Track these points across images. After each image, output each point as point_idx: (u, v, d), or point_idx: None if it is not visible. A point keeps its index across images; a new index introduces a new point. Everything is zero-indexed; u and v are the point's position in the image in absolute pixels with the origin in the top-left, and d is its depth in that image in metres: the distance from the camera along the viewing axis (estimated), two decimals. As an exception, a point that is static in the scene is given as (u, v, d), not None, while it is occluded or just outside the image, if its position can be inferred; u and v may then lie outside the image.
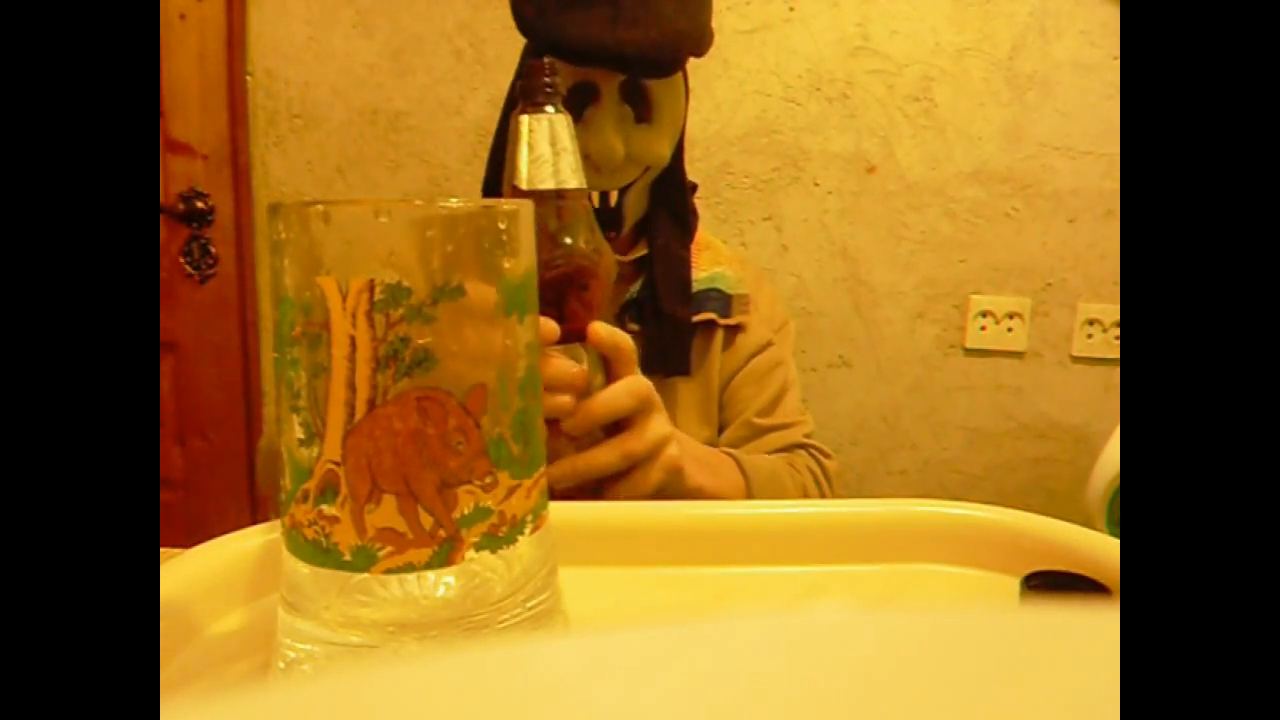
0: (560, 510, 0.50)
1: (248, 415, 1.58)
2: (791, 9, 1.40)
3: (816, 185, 1.45)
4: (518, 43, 0.78)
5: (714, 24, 0.76)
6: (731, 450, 0.72)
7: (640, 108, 0.75)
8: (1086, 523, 0.51)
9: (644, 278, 0.80)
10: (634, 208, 0.79)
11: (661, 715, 0.11)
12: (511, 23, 0.74)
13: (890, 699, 0.11)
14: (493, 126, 0.83)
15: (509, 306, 0.29)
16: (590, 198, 0.78)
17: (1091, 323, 1.44)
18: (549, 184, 0.48)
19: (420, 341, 0.27)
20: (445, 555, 0.28)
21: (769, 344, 0.85)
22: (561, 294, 0.50)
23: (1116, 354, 1.46)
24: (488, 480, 0.29)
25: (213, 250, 1.53)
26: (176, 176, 1.50)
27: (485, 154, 0.83)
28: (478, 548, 0.29)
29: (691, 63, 0.76)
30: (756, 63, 1.41)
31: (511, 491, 0.29)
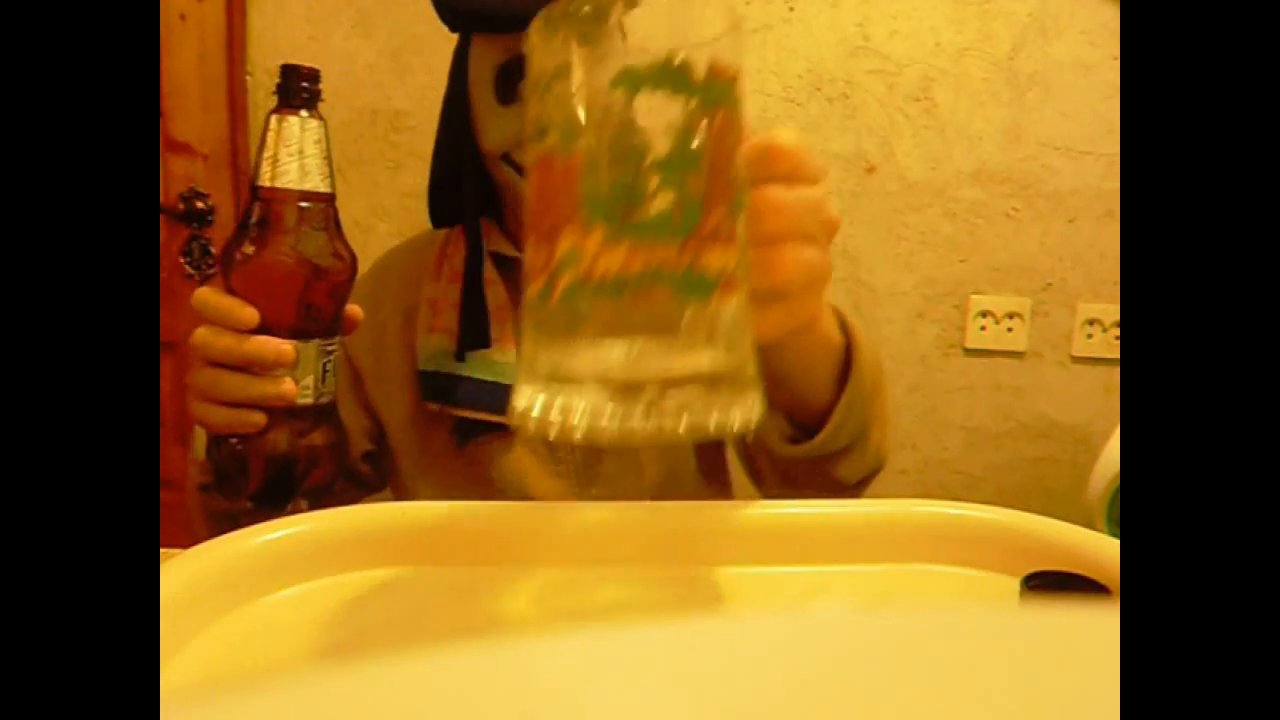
0: (559, 510, 0.50)
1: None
2: (791, 9, 1.40)
3: (816, 185, 1.45)
4: (518, 43, 0.77)
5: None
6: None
7: None
8: (1086, 523, 0.51)
9: None
10: None
11: (661, 715, 0.11)
12: (511, 23, 0.74)
13: (890, 699, 0.11)
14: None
15: (618, 83, 0.32)
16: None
17: (1091, 323, 1.44)
18: (290, 185, 0.50)
19: (537, 114, 0.33)
20: (549, 288, 0.32)
21: None
22: (293, 290, 0.51)
23: (1116, 354, 1.46)
24: (579, 228, 0.32)
25: (213, 250, 1.53)
26: (176, 176, 1.50)
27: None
28: (571, 291, 0.32)
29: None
30: (756, 63, 1.41)
31: (607, 247, 0.31)
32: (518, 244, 0.76)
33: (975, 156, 1.42)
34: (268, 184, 0.50)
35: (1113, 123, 1.39)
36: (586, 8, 0.32)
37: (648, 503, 0.51)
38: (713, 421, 0.32)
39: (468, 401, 0.72)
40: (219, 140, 1.50)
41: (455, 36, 0.76)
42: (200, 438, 0.60)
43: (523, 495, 0.74)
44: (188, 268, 1.53)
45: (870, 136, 1.43)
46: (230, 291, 0.51)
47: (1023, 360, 1.46)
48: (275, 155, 0.50)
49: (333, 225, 0.53)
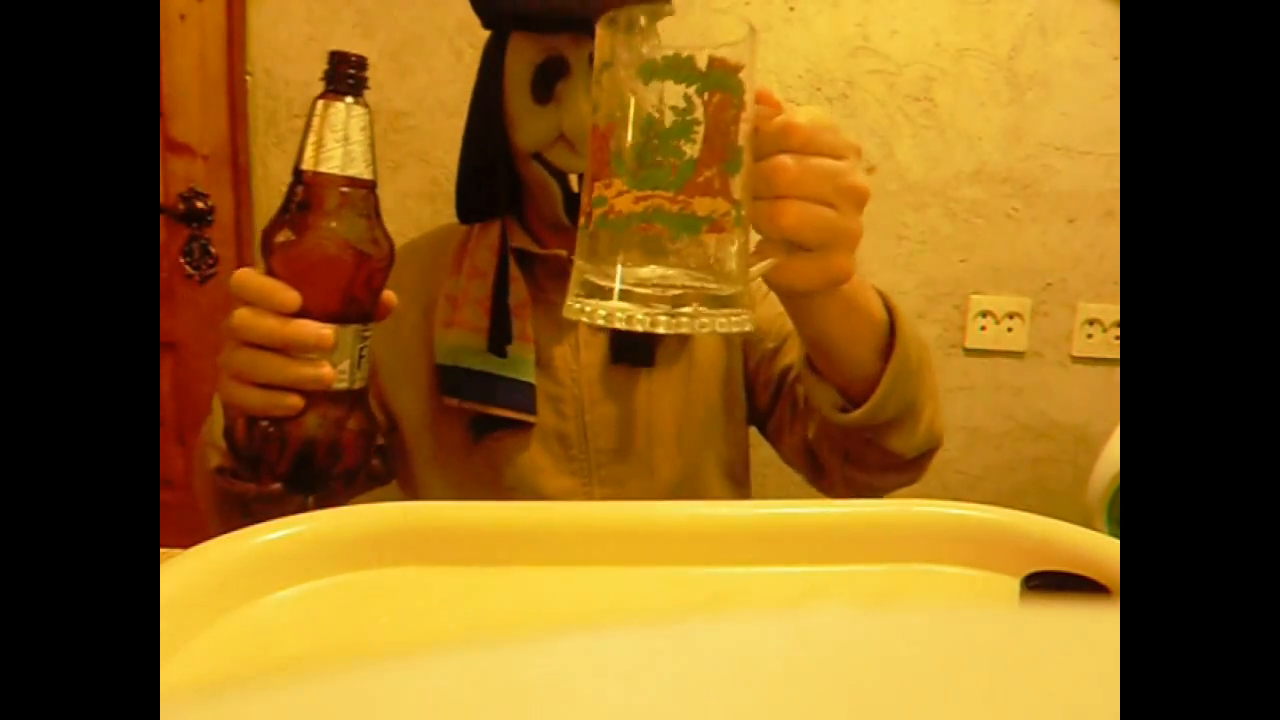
0: (556, 510, 0.50)
1: (248, 415, 1.58)
2: (791, 9, 1.40)
3: (816, 185, 1.45)
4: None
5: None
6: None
7: None
8: (1086, 523, 0.51)
9: None
10: None
11: (660, 715, 0.11)
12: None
13: (890, 699, 0.11)
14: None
15: (638, 73, 0.42)
16: (560, 186, 0.72)
17: (1091, 323, 1.43)
18: (333, 170, 0.51)
19: (594, 94, 0.44)
20: (588, 221, 0.44)
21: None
22: (338, 275, 0.51)
23: (1116, 354, 1.46)
24: (606, 180, 0.43)
25: (213, 250, 1.53)
26: (176, 176, 1.50)
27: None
28: (598, 224, 0.43)
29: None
30: (757, 63, 1.41)
31: (621, 194, 0.42)
32: (540, 241, 0.76)
33: (975, 156, 1.42)
34: (311, 168, 0.50)
35: (1113, 123, 1.39)
36: (627, 17, 0.43)
37: (648, 503, 0.51)
38: (699, 324, 0.43)
39: (485, 396, 0.72)
40: (219, 140, 1.50)
41: (455, 37, 0.76)
42: (218, 420, 0.60)
43: (535, 493, 0.74)
44: (188, 268, 1.53)
45: (870, 136, 1.43)
46: (269, 273, 0.50)
47: (1023, 360, 1.46)
48: (320, 140, 0.50)
49: (374, 212, 0.53)
